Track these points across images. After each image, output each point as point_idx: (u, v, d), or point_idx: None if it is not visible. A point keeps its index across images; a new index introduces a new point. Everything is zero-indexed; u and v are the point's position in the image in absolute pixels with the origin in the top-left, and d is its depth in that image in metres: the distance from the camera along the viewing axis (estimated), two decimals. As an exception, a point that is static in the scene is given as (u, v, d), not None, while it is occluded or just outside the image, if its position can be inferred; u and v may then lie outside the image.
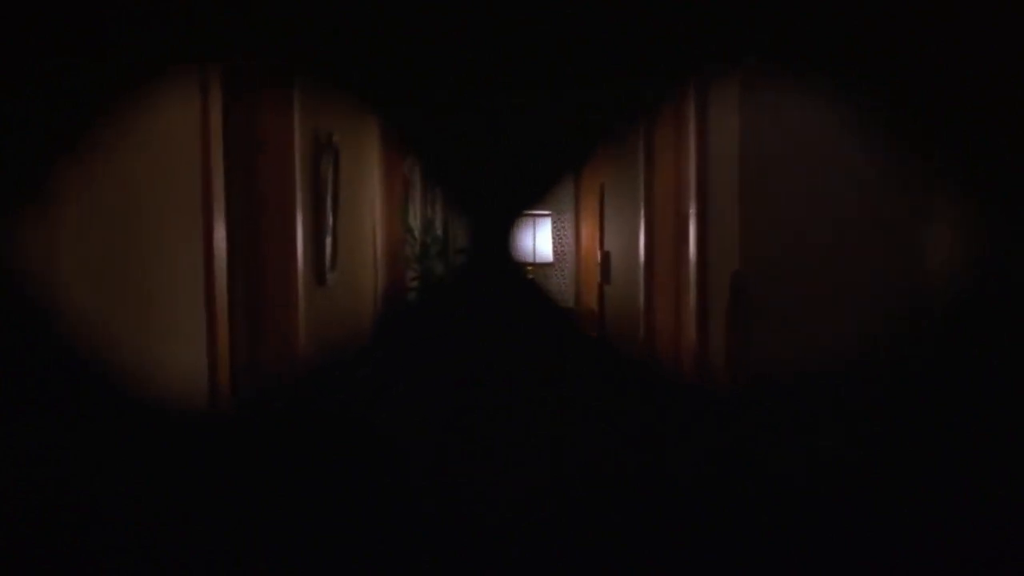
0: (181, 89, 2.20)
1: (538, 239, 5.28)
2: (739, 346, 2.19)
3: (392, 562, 1.64)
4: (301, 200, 3.00)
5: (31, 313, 1.48)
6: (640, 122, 2.85)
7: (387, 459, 2.04)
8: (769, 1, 1.55)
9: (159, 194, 2.14)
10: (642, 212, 2.76)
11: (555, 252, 5.41)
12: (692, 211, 2.27)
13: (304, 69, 2.85)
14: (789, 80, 1.90)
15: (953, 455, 1.51)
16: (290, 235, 2.93)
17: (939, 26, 1.55)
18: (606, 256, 4.23)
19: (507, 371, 2.48)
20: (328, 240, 3.52)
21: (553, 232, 5.37)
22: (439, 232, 5.02)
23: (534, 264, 5.28)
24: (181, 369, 2.20)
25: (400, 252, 5.07)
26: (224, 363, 2.24)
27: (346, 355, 3.84)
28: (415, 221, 5.14)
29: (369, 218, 4.69)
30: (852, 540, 1.58)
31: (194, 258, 2.20)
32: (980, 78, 1.47)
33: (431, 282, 4.98)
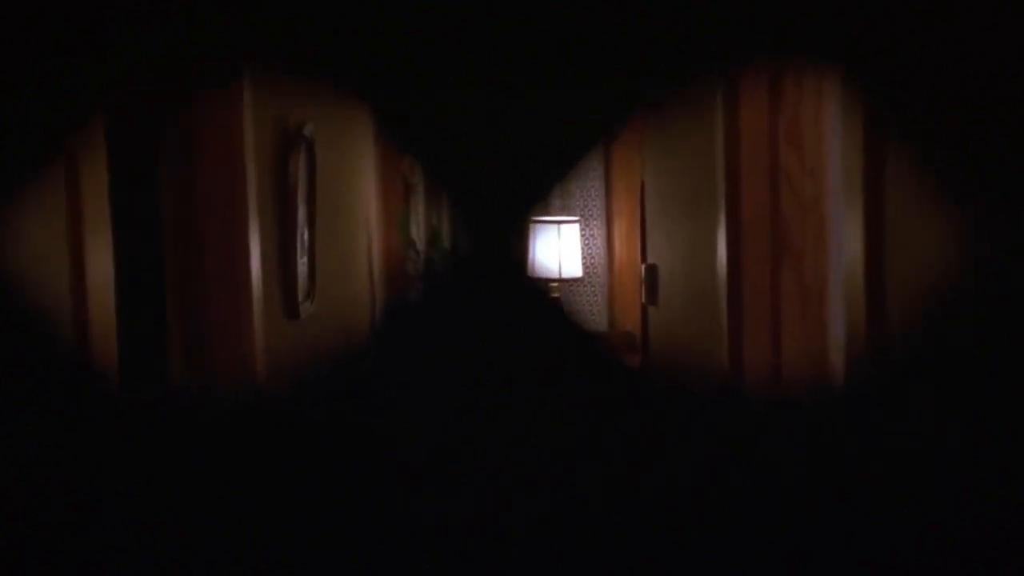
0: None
1: (564, 250, 4.48)
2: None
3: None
4: (257, 212, 2.25)
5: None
6: (711, 100, 2.08)
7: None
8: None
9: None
10: (722, 215, 1.99)
11: (584, 265, 4.60)
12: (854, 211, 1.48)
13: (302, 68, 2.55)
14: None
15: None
16: (240, 257, 2.17)
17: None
18: (651, 270, 3.45)
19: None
20: (303, 261, 2.76)
21: (581, 242, 4.57)
22: (446, 244, 4.25)
23: (560, 280, 4.48)
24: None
25: (402, 269, 4.31)
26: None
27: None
28: (418, 231, 4.38)
29: (363, 229, 3.94)
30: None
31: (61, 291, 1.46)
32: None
33: (439, 301, 4.21)
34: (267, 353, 2.29)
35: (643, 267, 3.54)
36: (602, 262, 4.67)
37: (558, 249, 4.49)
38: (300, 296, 2.66)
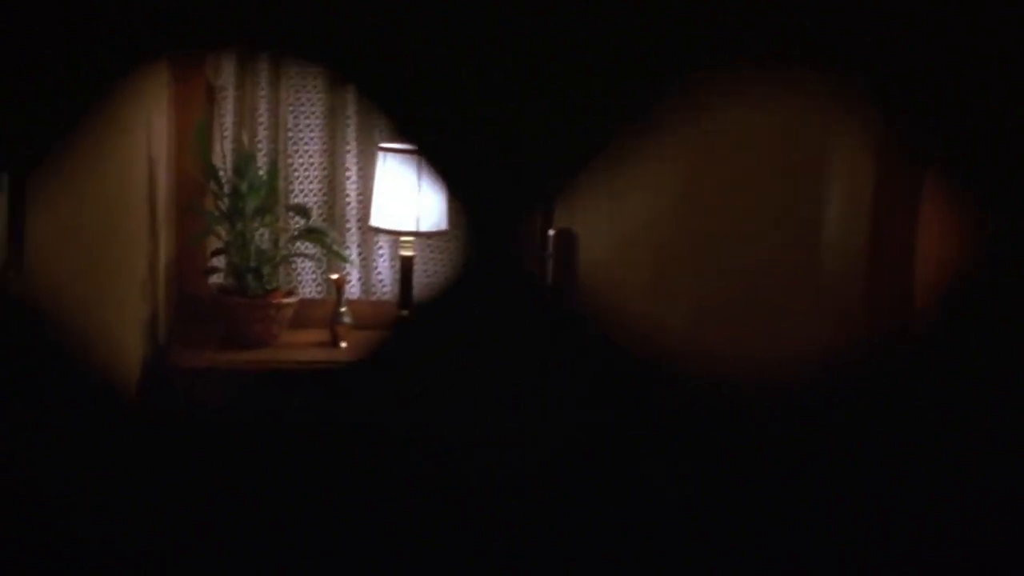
0: None
1: (425, 192, 3.32)
2: None
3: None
4: None
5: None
6: None
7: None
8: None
9: None
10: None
11: (450, 215, 3.44)
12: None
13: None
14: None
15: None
16: None
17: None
18: (564, 241, 2.40)
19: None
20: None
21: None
22: (262, 174, 3.03)
23: (416, 234, 3.35)
24: None
25: (198, 206, 3.08)
26: None
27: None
28: (223, 157, 3.13)
29: (142, 149, 2.69)
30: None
31: None
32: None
33: (249, 262, 3.00)
34: None
35: (550, 234, 2.48)
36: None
37: (416, 190, 3.36)
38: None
